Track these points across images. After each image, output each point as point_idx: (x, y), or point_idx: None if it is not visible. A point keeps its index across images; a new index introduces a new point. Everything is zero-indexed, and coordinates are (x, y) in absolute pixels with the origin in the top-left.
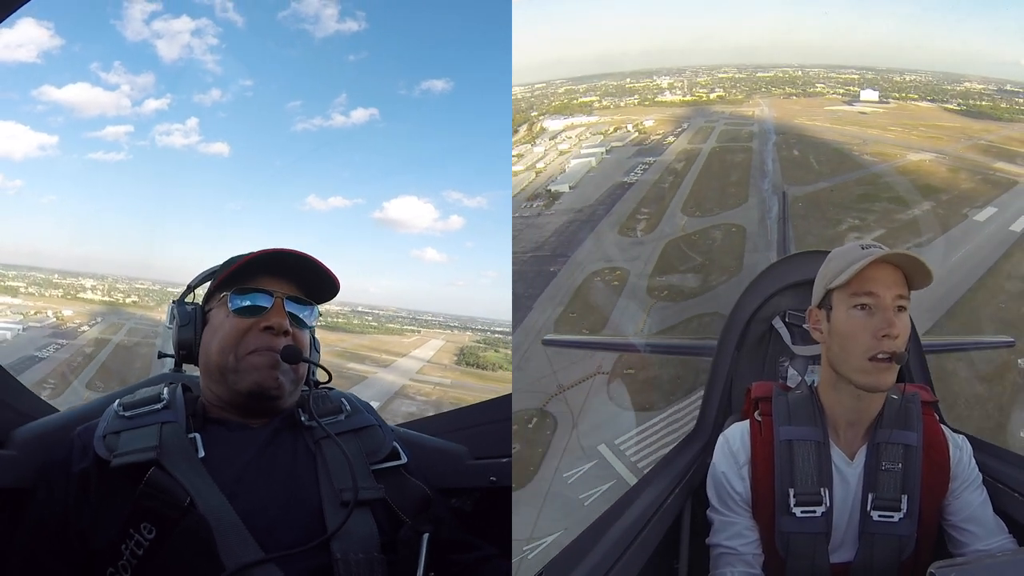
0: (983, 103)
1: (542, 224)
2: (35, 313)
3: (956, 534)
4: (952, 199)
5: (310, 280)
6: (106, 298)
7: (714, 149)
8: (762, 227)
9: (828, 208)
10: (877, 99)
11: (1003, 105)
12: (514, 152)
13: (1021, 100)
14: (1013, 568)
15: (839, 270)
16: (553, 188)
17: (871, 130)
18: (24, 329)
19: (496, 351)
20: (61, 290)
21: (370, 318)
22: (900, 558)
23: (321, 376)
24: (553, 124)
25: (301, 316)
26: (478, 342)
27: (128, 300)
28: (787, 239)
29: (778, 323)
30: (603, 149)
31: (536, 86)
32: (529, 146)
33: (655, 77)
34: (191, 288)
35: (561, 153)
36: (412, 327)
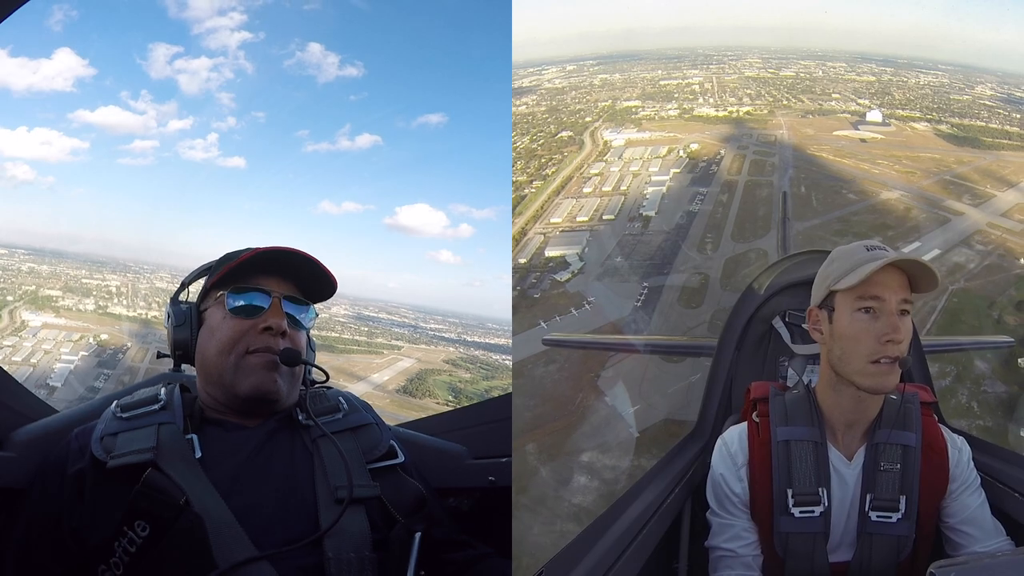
0: (976, 123)
1: (648, 241)
2: (80, 338)
3: (954, 536)
4: (896, 235)
5: (307, 278)
6: (132, 313)
7: (747, 183)
8: (775, 253)
9: (817, 242)
10: (880, 120)
11: (993, 126)
12: (593, 171)
13: (1018, 115)
14: (1013, 568)
15: (843, 271)
16: (644, 213)
17: (864, 164)
18: (80, 360)
19: (451, 375)
20: (92, 300)
21: (367, 328)
22: (898, 559)
23: (318, 376)
24: (614, 139)
25: (298, 317)
26: (447, 361)
27: (150, 315)
28: (787, 239)
29: (778, 323)
30: (667, 177)
31: (568, 68)
32: (604, 164)
33: (684, 71)
34: (185, 285)
35: (635, 175)
36: (399, 342)
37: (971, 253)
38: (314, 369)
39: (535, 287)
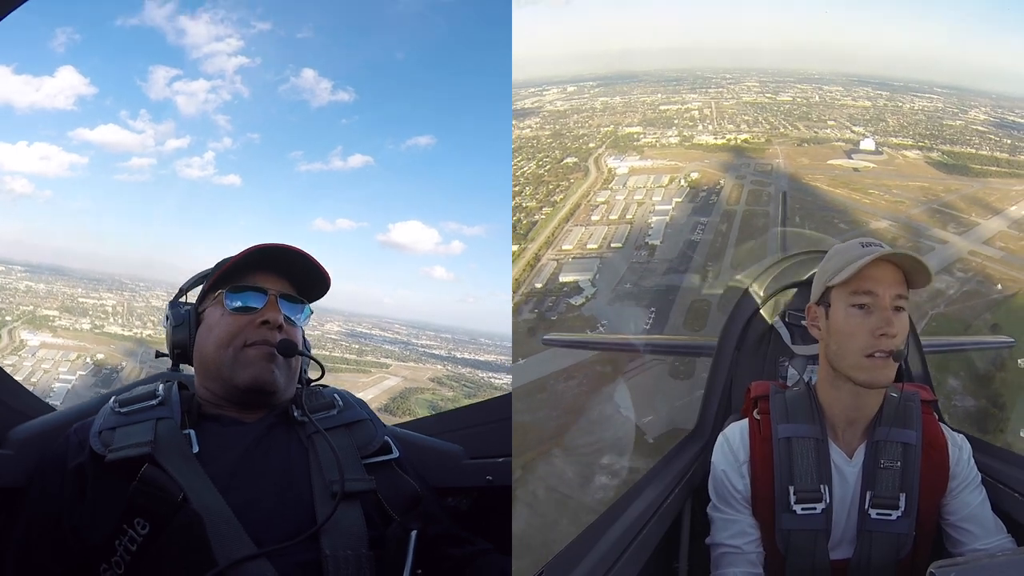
0: (967, 150)
1: (654, 269)
2: (77, 357)
3: (954, 533)
4: None
5: (302, 275)
6: (127, 332)
7: (745, 212)
8: None
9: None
10: (873, 149)
11: (982, 152)
12: (600, 199)
13: (1008, 141)
14: (1013, 568)
15: (839, 267)
16: (650, 242)
17: (855, 194)
18: (77, 379)
19: (435, 393)
20: (89, 320)
21: (358, 345)
22: (897, 556)
23: (313, 373)
24: (617, 166)
25: (293, 318)
26: (432, 379)
27: (145, 334)
28: (786, 240)
29: (778, 323)
30: (670, 207)
31: (569, 89)
32: (609, 193)
33: (683, 95)
34: (184, 291)
35: (639, 204)
36: (388, 359)
37: (951, 280)
38: (310, 370)
39: (552, 310)
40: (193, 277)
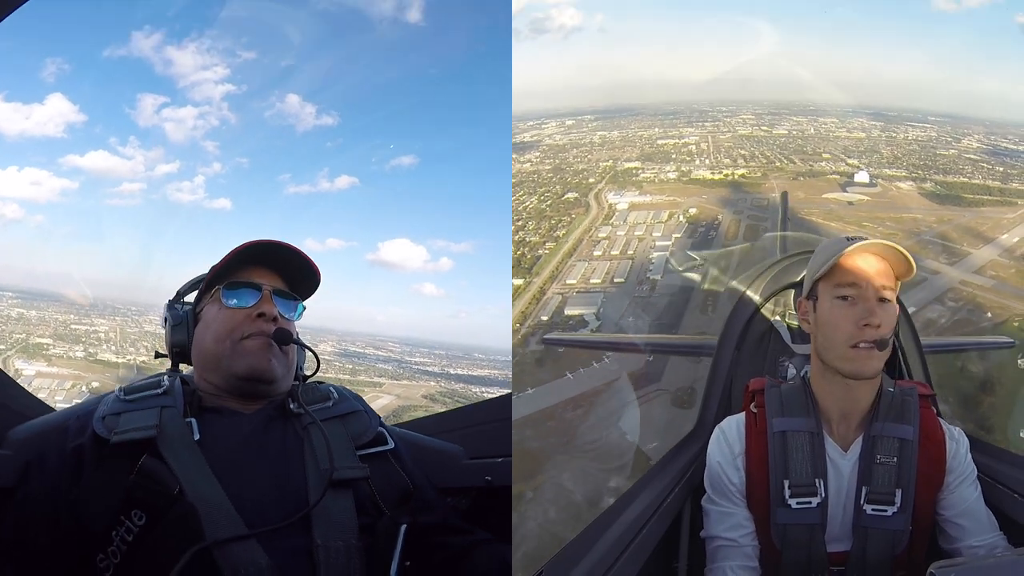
0: (959, 180)
1: (655, 303)
2: (72, 386)
3: (949, 528)
4: None
5: (294, 271)
6: (120, 359)
7: (743, 248)
8: None
9: None
10: (867, 181)
11: (975, 181)
12: (601, 235)
13: (1000, 169)
14: (1013, 568)
15: (824, 261)
16: (651, 276)
17: (850, 227)
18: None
19: (427, 410)
20: (82, 347)
21: (351, 365)
22: (893, 553)
23: (309, 367)
24: (617, 202)
25: (287, 316)
26: (426, 396)
27: (139, 360)
28: (786, 240)
29: (778, 322)
30: (670, 242)
31: (568, 123)
32: (611, 228)
33: (680, 129)
34: (181, 295)
35: (640, 240)
36: (381, 378)
37: (943, 309)
38: (306, 365)
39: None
40: (190, 281)
